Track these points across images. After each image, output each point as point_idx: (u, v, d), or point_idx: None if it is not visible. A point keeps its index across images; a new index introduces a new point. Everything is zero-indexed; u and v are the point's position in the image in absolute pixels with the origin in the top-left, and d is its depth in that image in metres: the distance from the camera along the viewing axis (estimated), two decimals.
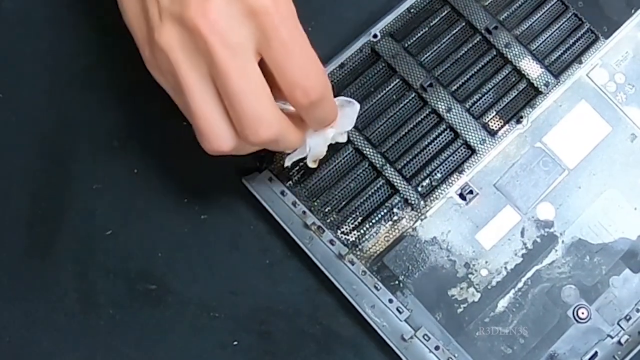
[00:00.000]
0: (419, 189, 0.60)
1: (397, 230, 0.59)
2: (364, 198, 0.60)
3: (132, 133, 0.62)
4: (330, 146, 0.57)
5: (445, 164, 0.61)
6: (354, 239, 0.59)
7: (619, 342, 0.58)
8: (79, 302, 0.59)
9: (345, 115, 0.54)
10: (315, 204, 0.59)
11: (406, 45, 0.63)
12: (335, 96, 0.53)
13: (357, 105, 0.55)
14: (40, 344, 0.58)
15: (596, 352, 0.58)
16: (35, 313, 0.59)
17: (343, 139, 0.56)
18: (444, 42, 0.63)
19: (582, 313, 0.58)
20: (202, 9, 0.46)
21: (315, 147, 0.54)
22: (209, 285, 0.59)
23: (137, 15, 0.50)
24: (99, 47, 0.63)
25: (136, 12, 0.51)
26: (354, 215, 0.59)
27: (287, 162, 0.56)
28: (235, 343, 0.59)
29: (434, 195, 0.60)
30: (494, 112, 0.62)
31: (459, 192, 0.60)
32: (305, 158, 0.55)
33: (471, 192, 0.60)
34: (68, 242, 0.60)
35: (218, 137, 0.49)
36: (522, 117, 0.62)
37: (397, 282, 0.58)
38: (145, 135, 0.62)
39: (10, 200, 0.61)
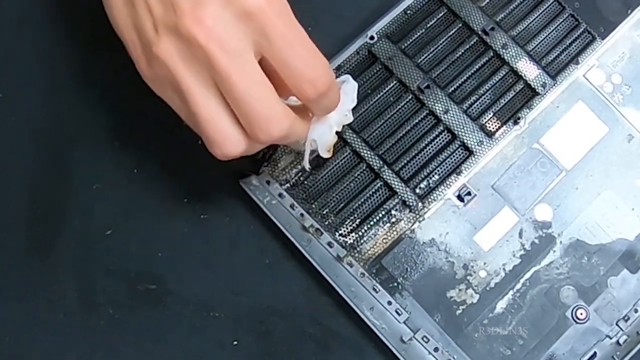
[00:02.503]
0: (417, 190, 0.56)
1: (395, 232, 0.55)
2: (362, 200, 0.55)
3: (132, 133, 0.58)
4: None
5: (443, 166, 0.56)
6: (352, 241, 0.55)
7: (617, 342, 0.54)
8: (79, 302, 0.55)
9: (345, 94, 0.51)
10: (313, 206, 0.55)
11: (403, 46, 0.58)
12: None
13: (355, 83, 0.51)
14: (40, 343, 0.54)
15: (595, 353, 0.54)
16: (35, 313, 0.55)
17: (349, 119, 0.52)
18: (440, 44, 0.59)
19: (581, 314, 0.54)
20: (196, 17, 0.43)
21: (322, 136, 0.51)
22: (209, 285, 0.55)
23: (130, 29, 0.47)
24: (99, 47, 0.59)
25: (128, 25, 0.47)
26: (352, 218, 0.55)
27: (307, 165, 0.52)
28: (235, 343, 0.55)
29: (432, 197, 0.56)
30: (491, 114, 0.57)
31: (456, 193, 0.56)
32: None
33: (469, 193, 0.56)
34: (68, 242, 0.56)
35: (229, 142, 0.46)
36: (519, 119, 0.57)
37: (395, 284, 0.54)
38: (145, 135, 0.58)
39: (10, 200, 0.57)
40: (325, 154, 0.52)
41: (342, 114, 0.51)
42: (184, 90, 0.44)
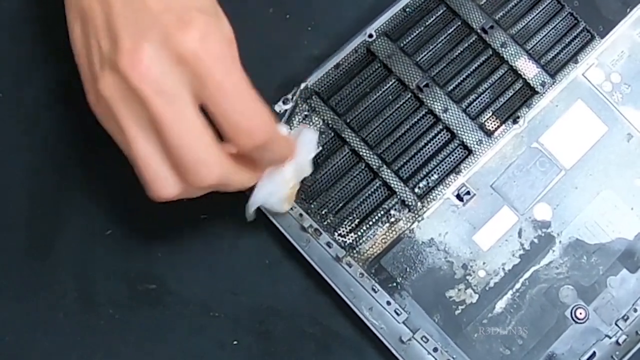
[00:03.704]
0: (416, 190, 0.55)
1: (394, 232, 0.54)
2: (361, 200, 0.55)
3: None
4: (327, 148, 0.55)
5: (442, 165, 0.56)
6: (351, 241, 0.54)
7: (617, 342, 0.53)
8: (79, 302, 0.55)
9: (303, 143, 0.49)
10: (312, 206, 0.54)
11: (402, 45, 0.58)
12: None
13: (315, 133, 0.51)
14: (40, 344, 0.54)
15: (594, 353, 0.53)
16: (35, 313, 0.54)
17: (307, 171, 0.51)
18: (439, 42, 0.58)
19: (580, 313, 0.54)
20: (132, 60, 0.42)
21: (275, 188, 0.49)
22: (209, 285, 0.55)
23: (84, 59, 0.46)
24: None
25: (83, 55, 0.46)
26: (351, 218, 0.54)
27: (250, 216, 0.51)
28: (235, 343, 0.54)
29: (431, 197, 0.55)
30: (491, 113, 0.57)
31: (455, 193, 0.55)
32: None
33: (468, 193, 0.55)
34: (68, 242, 0.56)
35: (163, 185, 0.45)
36: (518, 117, 0.57)
37: (394, 284, 0.53)
38: None
39: (10, 200, 0.56)
40: (282, 208, 0.51)
41: (299, 165, 0.49)
42: (123, 130, 0.43)
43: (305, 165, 0.50)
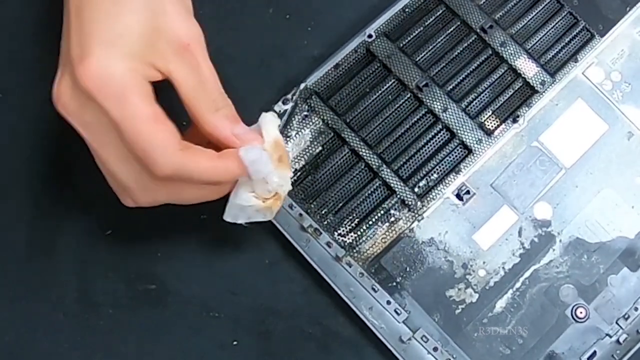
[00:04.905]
0: (416, 189, 0.55)
1: (394, 232, 0.54)
2: (361, 200, 0.54)
3: None
4: (326, 147, 0.54)
5: (442, 164, 0.55)
6: (351, 240, 0.53)
7: (617, 341, 0.53)
8: (79, 302, 0.54)
9: (253, 164, 0.45)
10: (312, 206, 0.54)
11: (401, 45, 0.57)
12: None
13: (264, 155, 0.46)
14: (40, 344, 0.53)
15: (595, 352, 0.53)
16: (35, 313, 0.54)
17: (269, 187, 0.47)
18: (439, 42, 0.58)
19: (581, 312, 0.53)
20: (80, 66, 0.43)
21: (246, 202, 0.48)
22: (209, 285, 0.55)
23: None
24: None
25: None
26: (350, 217, 0.54)
27: (227, 216, 0.49)
28: (235, 343, 0.54)
29: (431, 196, 0.55)
30: (490, 112, 0.56)
31: (455, 192, 0.55)
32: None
33: (468, 192, 0.55)
34: (68, 242, 0.55)
35: (133, 190, 0.47)
36: (518, 116, 0.56)
37: (394, 284, 0.53)
38: None
39: (10, 200, 0.56)
40: (260, 217, 0.49)
41: (260, 183, 0.46)
42: (85, 140, 0.45)
43: (269, 182, 0.47)
